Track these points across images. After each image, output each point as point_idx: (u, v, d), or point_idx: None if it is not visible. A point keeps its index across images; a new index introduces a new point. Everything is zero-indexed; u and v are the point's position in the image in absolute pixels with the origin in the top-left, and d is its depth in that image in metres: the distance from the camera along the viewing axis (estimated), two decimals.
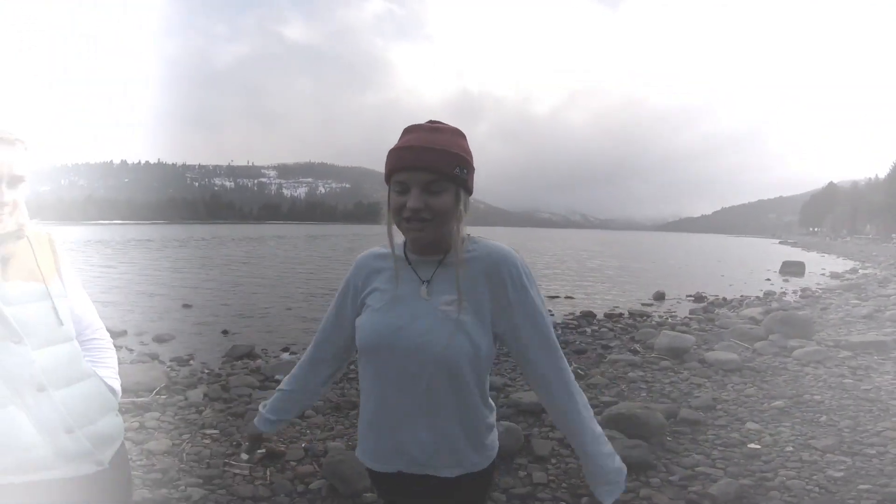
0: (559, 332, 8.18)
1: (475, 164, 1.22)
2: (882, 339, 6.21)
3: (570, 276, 19.54)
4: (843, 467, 3.06)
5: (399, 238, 1.25)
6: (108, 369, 1.35)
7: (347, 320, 1.31)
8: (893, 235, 70.84)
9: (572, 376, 1.25)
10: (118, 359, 1.42)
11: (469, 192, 1.19)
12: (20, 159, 1.18)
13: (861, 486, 2.82)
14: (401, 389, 1.19)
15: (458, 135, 1.19)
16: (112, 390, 1.32)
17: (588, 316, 10.07)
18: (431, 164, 1.12)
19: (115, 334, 7.81)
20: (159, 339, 7.74)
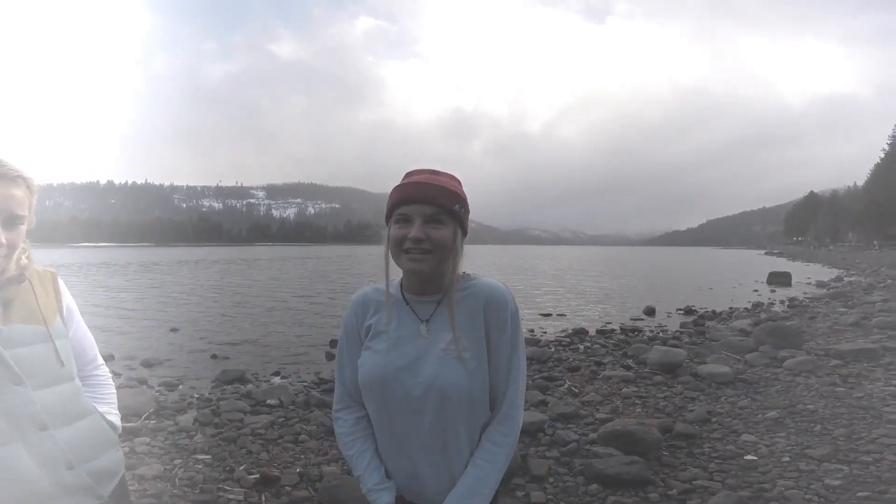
0: (552, 349, 8.18)
1: (466, 189, 1.29)
2: (871, 347, 6.28)
3: (561, 293, 19.60)
4: (840, 475, 3.06)
5: (394, 278, 1.29)
6: (108, 405, 1.38)
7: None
8: (875, 242, 72.17)
9: (515, 413, 1.25)
10: None
11: (465, 233, 1.25)
12: (21, 198, 1.15)
13: (860, 494, 2.82)
14: (405, 426, 1.23)
15: (455, 179, 1.27)
16: (112, 426, 1.34)
17: (580, 332, 10.07)
18: (434, 197, 1.19)
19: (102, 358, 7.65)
20: (147, 364, 7.60)
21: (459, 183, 1.27)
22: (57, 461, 1.16)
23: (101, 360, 1.42)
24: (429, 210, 1.18)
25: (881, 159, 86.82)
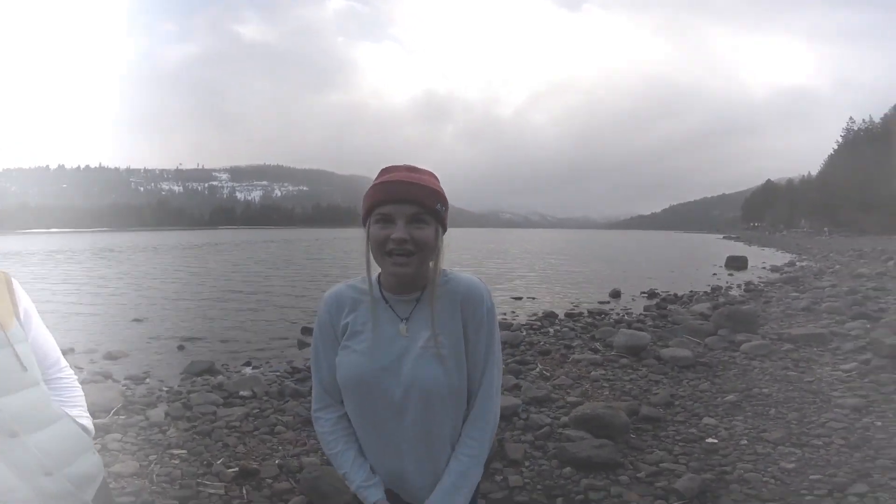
0: (524, 333, 8.35)
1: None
2: (820, 332, 6.64)
3: (531, 276, 19.96)
4: (794, 459, 3.25)
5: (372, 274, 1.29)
6: (78, 408, 1.34)
7: (333, 356, 1.32)
8: (825, 229, 75.86)
9: (491, 408, 1.28)
10: None
11: (444, 230, 1.25)
12: None
13: (812, 477, 3.00)
14: (388, 424, 1.25)
15: (434, 176, 1.26)
16: (85, 429, 1.32)
17: (550, 316, 10.32)
18: (417, 197, 1.17)
19: (61, 352, 7.35)
20: (110, 357, 7.37)
21: (438, 179, 1.26)
22: (33, 468, 1.14)
23: (64, 363, 1.38)
24: (411, 210, 1.17)
25: (834, 150, 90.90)
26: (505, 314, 10.64)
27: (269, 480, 3.20)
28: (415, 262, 1.18)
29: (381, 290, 1.27)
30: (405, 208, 1.17)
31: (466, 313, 1.24)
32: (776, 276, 18.70)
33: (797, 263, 24.79)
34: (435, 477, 1.25)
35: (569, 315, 10.55)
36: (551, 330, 8.84)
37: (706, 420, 4.04)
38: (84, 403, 1.37)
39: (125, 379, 6.20)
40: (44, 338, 1.33)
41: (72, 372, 1.39)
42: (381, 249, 1.18)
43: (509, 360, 6.17)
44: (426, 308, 1.23)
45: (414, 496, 1.27)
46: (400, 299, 1.25)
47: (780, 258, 30.17)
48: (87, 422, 1.34)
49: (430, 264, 1.23)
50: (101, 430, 4.04)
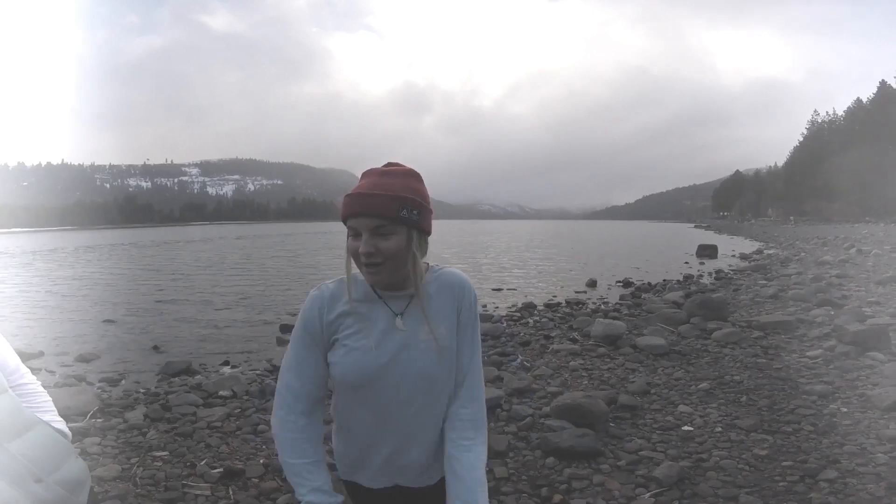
0: (504, 324, 8.44)
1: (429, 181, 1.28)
2: (787, 319, 6.90)
3: (511, 267, 20.13)
4: (766, 445, 3.37)
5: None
6: (50, 413, 1.31)
7: (319, 357, 1.29)
8: (791, 218, 78.45)
9: (481, 389, 1.33)
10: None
11: (424, 231, 1.23)
12: None
13: (784, 463, 3.12)
14: (391, 415, 1.28)
15: (409, 176, 1.23)
16: (62, 433, 1.30)
17: (529, 307, 10.43)
18: (376, 209, 1.17)
19: (30, 356, 7.19)
20: (83, 359, 7.18)
21: (415, 178, 1.24)
22: (23, 476, 1.12)
23: (25, 369, 1.34)
24: (372, 223, 1.17)
25: (799, 142, 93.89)
26: (485, 306, 10.72)
27: (256, 480, 3.19)
28: (385, 271, 1.20)
29: (374, 287, 1.28)
30: (367, 221, 1.18)
31: (458, 305, 1.29)
32: (745, 264, 19.25)
33: (765, 251, 25.57)
34: (433, 453, 1.30)
35: (547, 305, 10.69)
36: (531, 321, 8.94)
37: (682, 408, 4.15)
38: (54, 408, 1.33)
39: (100, 381, 6.07)
40: (2, 344, 1.29)
41: (34, 378, 1.35)
42: (356, 260, 1.22)
43: (491, 352, 6.23)
44: (419, 306, 1.26)
45: (414, 479, 1.32)
46: (393, 295, 1.27)
47: (748, 246, 31.05)
48: (63, 426, 1.31)
49: (410, 269, 1.23)
50: (79, 434, 3.96)
